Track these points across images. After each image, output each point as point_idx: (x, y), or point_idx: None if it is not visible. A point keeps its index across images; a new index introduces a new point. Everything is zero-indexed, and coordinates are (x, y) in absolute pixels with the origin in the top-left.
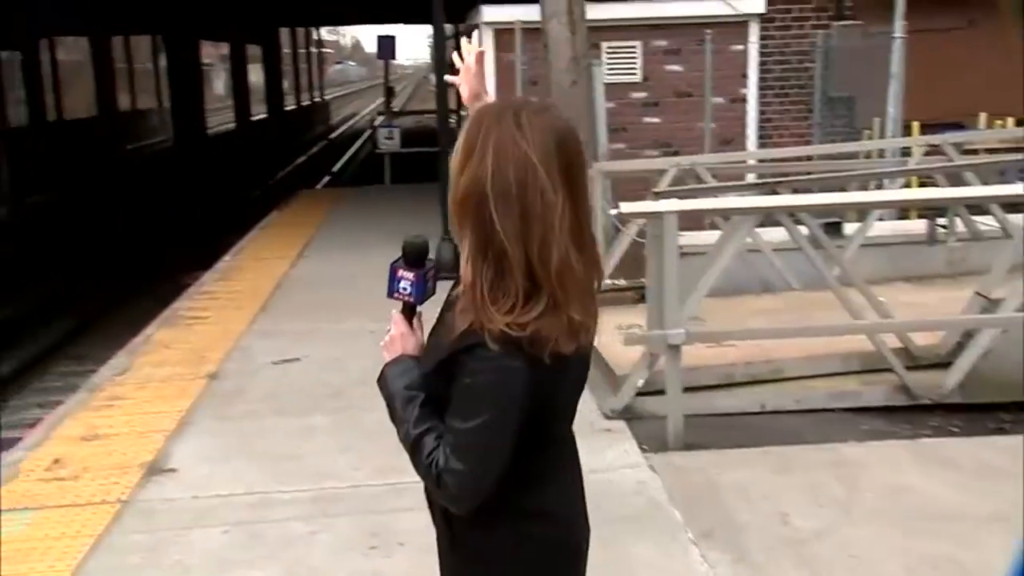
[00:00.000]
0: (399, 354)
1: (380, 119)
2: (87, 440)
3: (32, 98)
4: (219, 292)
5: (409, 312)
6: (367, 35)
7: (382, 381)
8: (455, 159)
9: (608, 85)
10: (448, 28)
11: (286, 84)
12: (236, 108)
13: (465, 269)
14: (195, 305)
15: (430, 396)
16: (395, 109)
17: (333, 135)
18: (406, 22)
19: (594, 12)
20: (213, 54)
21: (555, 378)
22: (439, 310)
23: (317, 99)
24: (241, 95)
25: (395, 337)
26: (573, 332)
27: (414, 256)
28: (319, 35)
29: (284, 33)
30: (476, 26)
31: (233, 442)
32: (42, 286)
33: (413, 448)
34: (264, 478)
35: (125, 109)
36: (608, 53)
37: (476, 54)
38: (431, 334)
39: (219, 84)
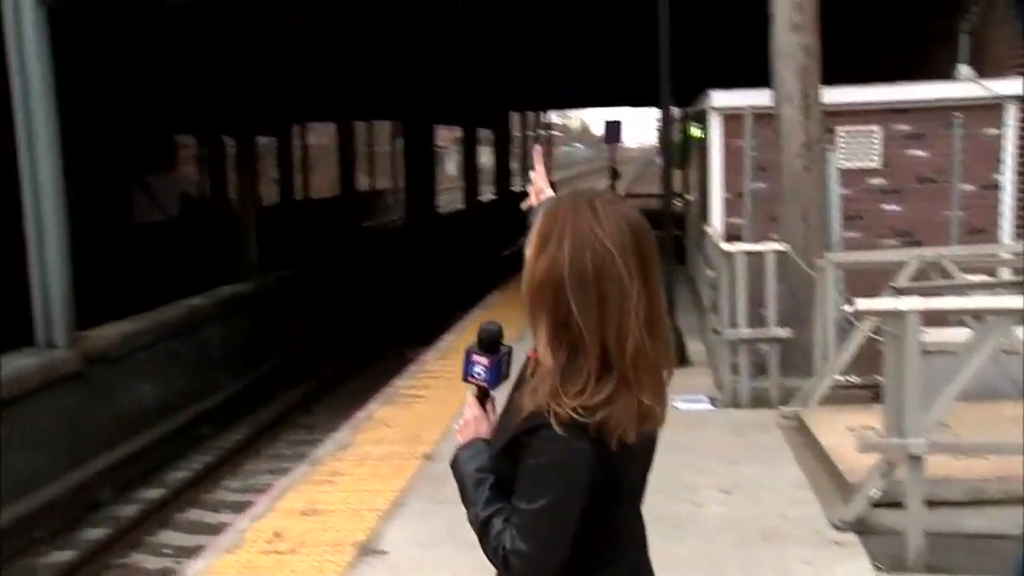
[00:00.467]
0: (472, 437)
1: None
2: (306, 515)
3: (283, 179)
4: (439, 371)
5: (483, 396)
6: (595, 118)
7: (455, 464)
8: (531, 246)
9: (843, 171)
10: (675, 111)
11: (514, 166)
12: (466, 189)
13: (544, 353)
14: (416, 383)
15: (500, 478)
16: (619, 192)
17: None
18: (634, 105)
19: (830, 96)
20: (446, 137)
21: (619, 461)
22: (510, 391)
23: None
24: (471, 176)
25: (468, 421)
26: (642, 417)
27: (488, 342)
28: (548, 119)
29: (514, 116)
30: (704, 111)
31: (443, 527)
32: (279, 357)
33: (482, 530)
34: (471, 567)
35: (364, 189)
36: (844, 138)
37: (536, 154)
38: (501, 416)
39: (451, 165)
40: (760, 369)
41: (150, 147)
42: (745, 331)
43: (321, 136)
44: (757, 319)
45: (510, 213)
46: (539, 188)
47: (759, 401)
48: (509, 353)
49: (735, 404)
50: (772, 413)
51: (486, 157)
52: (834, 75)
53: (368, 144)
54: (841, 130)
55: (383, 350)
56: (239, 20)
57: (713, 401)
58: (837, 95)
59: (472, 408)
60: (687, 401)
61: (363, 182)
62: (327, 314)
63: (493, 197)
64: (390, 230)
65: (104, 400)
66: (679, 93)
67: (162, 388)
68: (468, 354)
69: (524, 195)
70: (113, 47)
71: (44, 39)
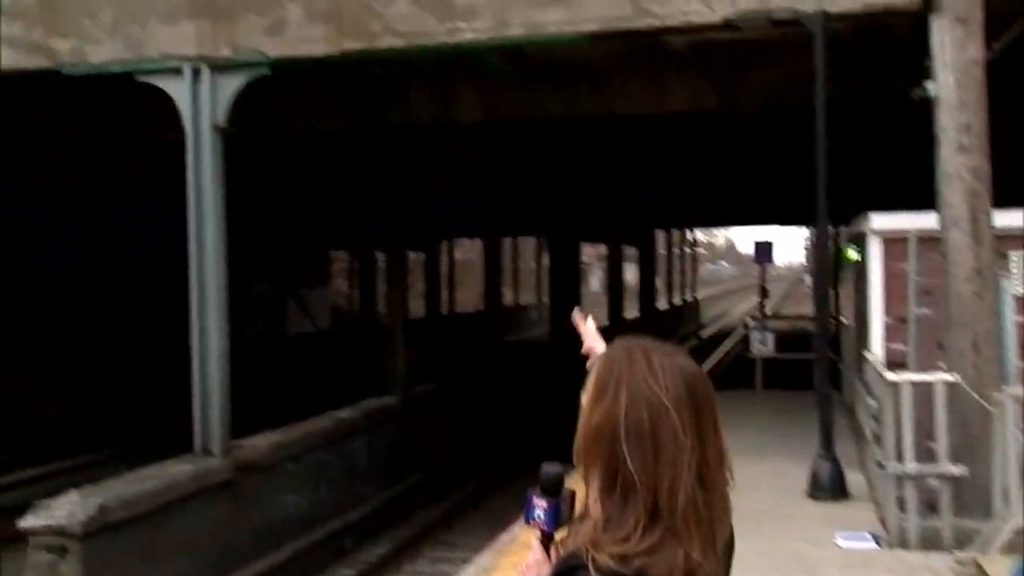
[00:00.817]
0: None
1: (752, 323)
2: None
3: (430, 293)
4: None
5: (546, 540)
6: (741, 235)
7: None
8: (586, 396)
9: (1019, 298)
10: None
11: (659, 283)
12: (610, 306)
13: (595, 506)
14: None
15: None
16: (767, 312)
17: (702, 333)
18: (782, 223)
19: (1002, 219)
20: (591, 254)
21: None
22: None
23: (688, 298)
24: (615, 293)
25: (531, 564)
26: (688, 572)
27: (549, 485)
28: (694, 236)
29: (659, 233)
30: (863, 233)
31: None
32: (422, 471)
33: None
34: None
35: (508, 304)
36: (1019, 263)
37: (579, 315)
38: None
39: (595, 282)
40: (930, 507)
41: (305, 261)
42: (912, 466)
43: (467, 251)
44: (924, 452)
45: (655, 330)
46: (590, 347)
47: (930, 543)
48: (572, 496)
49: (902, 544)
50: (945, 557)
51: (631, 274)
52: (1008, 197)
53: (513, 259)
54: (1015, 255)
55: (526, 467)
56: (387, 144)
57: (878, 540)
58: (1011, 219)
59: (535, 552)
60: (849, 538)
61: (507, 297)
62: (470, 428)
63: (637, 315)
64: (534, 345)
65: (252, 509)
66: (833, 212)
67: (308, 499)
68: (528, 498)
69: (667, 313)
70: (275, 169)
71: (218, 162)
